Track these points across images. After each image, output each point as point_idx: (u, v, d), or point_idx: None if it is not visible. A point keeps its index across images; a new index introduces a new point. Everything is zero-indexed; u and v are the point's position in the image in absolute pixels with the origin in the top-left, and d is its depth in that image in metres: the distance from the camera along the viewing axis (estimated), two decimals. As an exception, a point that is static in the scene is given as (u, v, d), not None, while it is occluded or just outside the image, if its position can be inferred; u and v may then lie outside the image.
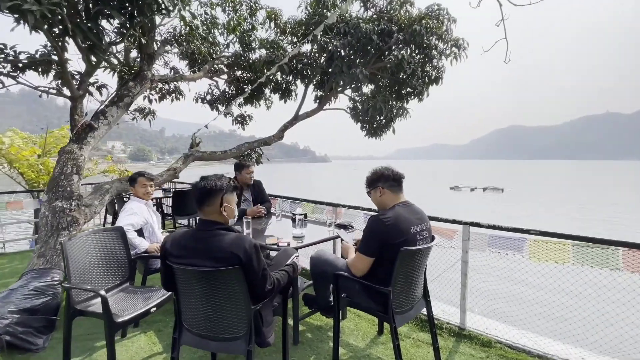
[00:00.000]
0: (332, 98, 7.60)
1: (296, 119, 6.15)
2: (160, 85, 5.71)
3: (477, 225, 2.51)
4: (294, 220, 3.19)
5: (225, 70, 6.90)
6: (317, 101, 6.84)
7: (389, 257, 1.86)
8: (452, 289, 2.89)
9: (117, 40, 4.05)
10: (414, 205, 2.06)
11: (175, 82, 5.74)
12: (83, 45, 3.57)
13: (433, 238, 2.05)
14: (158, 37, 5.64)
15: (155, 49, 5.05)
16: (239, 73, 7.13)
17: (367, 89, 6.98)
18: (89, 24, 3.27)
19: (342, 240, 2.45)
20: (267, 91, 7.58)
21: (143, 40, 4.55)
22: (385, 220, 1.87)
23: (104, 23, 3.57)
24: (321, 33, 5.51)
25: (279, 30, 6.95)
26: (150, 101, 5.72)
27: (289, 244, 2.39)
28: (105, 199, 3.82)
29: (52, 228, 3.15)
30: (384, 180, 2.05)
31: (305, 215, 3.30)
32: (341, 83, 5.67)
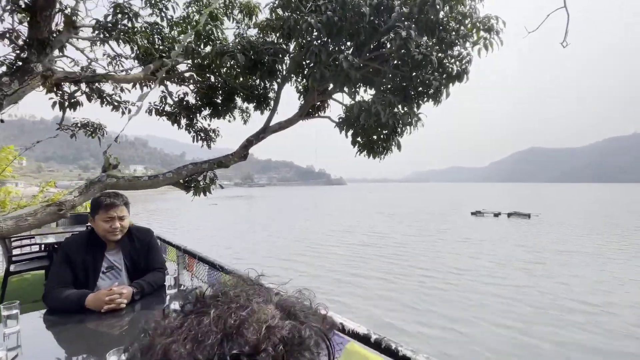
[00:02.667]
0: (324, 106, 6.00)
1: (265, 131, 4.51)
2: (76, 87, 4.22)
3: None
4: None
5: (180, 71, 5.48)
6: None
7: None
8: None
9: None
10: None
11: (93, 84, 4.25)
12: None
13: None
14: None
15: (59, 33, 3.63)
16: (200, 77, 5.69)
17: (366, 94, 5.37)
18: None
19: None
20: (239, 100, 6.10)
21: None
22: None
23: None
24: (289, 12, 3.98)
25: (257, 28, 5.56)
26: (62, 108, 4.23)
27: None
28: None
29: None
30: None
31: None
32: (323, 81, 4.02)
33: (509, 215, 32.60)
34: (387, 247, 16.92)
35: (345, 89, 4.04)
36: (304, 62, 4.31)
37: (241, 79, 5.41)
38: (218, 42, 4.68)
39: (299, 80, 5.96)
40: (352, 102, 4.34)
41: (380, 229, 23.62)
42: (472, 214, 34.40)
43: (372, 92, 5.11)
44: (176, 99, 5.42)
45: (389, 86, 4.77)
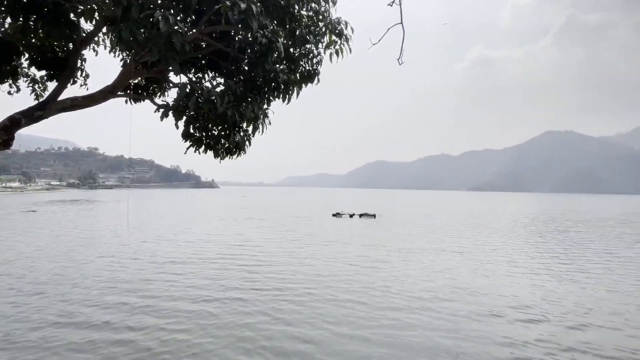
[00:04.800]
0: (163, 88, 4.85)
1: (45, 106, 3.06)
2: None
3: None
4: None
5: None
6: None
7: None
8: None
9: None
10: None
11: None
12: None
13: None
14: None
15: None
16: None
17: (214, 81, 4.56)
18: None
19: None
20: (25, 64, 4.24)
21: None
22: None
23: None
24: None
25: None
26: None
27: None
28: None
29: None
30: None
31: None
32: (135, 44, 2.99)
33: (360, 215, 38.01)
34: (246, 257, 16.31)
35: (168, 62, 3.12)
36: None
37: (32, 36, 3.71)
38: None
39: (127, 53, 4.60)
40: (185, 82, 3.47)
41: (246, 236, 22.79)
42: (333, 215, 38.40)
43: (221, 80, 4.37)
44: None
45: (241, 77, 4.15)
